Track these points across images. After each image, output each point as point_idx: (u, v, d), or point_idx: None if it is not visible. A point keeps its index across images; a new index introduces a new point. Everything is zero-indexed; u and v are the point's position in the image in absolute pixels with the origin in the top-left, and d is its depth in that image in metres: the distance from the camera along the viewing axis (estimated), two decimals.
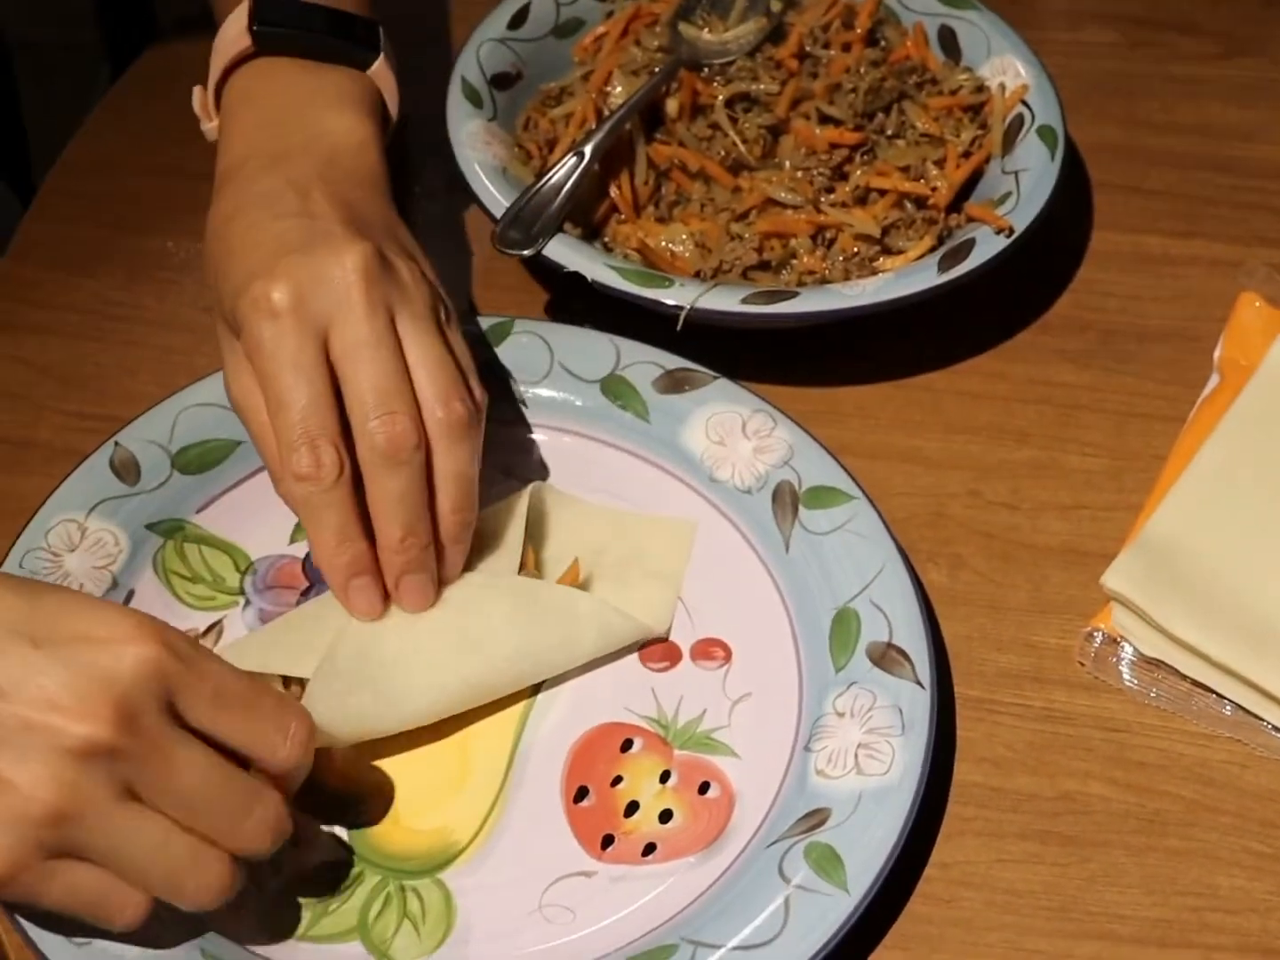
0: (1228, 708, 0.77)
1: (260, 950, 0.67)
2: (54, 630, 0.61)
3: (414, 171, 1.00)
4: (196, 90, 0.87)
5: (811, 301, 0.84)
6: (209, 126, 0.87)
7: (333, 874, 0.70)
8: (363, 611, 0.72)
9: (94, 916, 0.62)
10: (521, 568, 0.76)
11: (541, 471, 0.83)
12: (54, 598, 0.63)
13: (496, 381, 0.83)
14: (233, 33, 0.85)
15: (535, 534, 0.79)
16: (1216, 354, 0.90)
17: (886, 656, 0.74)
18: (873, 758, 0.71)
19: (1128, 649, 0.79)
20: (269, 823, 0.64)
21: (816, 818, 0.69)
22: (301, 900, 0.69)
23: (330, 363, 0.71)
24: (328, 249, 0.72)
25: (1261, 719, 0.76)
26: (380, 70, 0.87)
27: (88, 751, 0.59)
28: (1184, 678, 0.78)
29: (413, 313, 0.73)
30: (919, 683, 0.73)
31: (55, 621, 0.62)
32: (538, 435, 0.84)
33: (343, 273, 0.71)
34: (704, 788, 0.73)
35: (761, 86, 0.94)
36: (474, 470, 0.74)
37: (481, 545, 0.76)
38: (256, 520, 0.80)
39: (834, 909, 0.67)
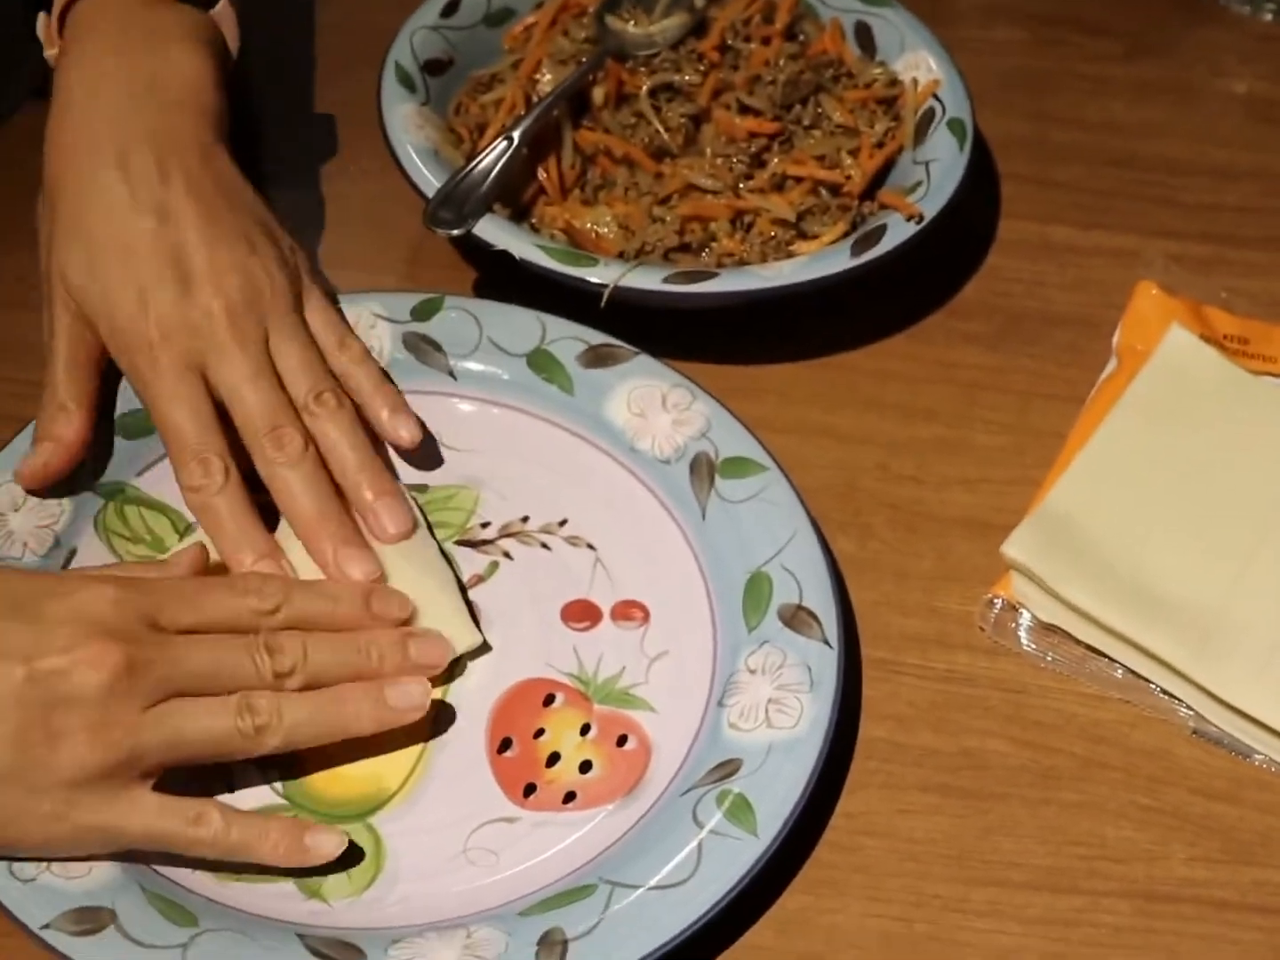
0: (1119, 671, 0.80)
1: (196, 888, 0.69)
2: None
3: (351, 151, 1.02)
4: (41, 16, 0.88)
5: (730, 282, 0.87)
6: (50, 53, 0.88)
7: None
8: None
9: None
10: None
11: (470, 441, 0.85)
12: None
13: (427, 354, 0.86)
14: None
15: None
16: (1115, 339, 0.93)
17: (797, 617, 0.76)
18: (782, 712, 0.73)
19: (1026, 615, 0.82)
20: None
21: (729, 768, 0.72)
22: None
23: (210, 387, 0.77)
24: (196, 287, 0.78)
25: (1150, 682, 0.79)
26: (223, 11, 0.91)
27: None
28: (1078, 643, 0.81)
29: (277, 323, 0.79)
30: (827, 642, 0.75)
31: None
32: (467, 406, 0.86)
33: (210, 319, 0.77)
34: (622, 740, 0.75)
35: (684, 77, 0.97)
36: (361, 431, 0.79)
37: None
38: None
39: (745, 852, 0.69)
